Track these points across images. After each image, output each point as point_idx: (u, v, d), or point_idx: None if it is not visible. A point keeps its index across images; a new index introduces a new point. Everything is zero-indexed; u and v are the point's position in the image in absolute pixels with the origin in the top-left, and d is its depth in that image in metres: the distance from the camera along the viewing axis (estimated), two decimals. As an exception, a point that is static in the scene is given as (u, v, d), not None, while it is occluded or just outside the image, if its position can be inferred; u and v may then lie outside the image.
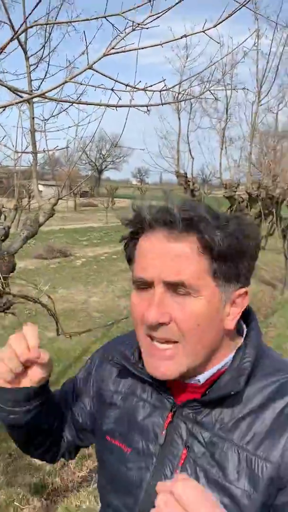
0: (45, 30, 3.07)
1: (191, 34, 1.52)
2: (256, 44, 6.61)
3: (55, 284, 10.23)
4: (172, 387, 1.00)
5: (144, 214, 0.91)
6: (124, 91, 1.58)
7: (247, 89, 6.81)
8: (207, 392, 0.96)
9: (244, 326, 1.02)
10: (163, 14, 1.37)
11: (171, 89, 1.68)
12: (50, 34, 3.08)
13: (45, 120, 3.07)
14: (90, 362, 1.24)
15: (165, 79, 1.48)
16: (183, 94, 2.48)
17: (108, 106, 1.62)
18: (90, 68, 1.42)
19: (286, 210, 10.97)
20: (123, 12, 1.39)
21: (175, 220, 0.87)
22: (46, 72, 3.06)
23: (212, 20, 1.48)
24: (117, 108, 1.64)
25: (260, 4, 6.16)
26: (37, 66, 3.12)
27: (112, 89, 1.51)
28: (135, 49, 1.46)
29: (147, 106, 1.68)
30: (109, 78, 1.50)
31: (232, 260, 0.90)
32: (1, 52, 1.45)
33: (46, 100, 2.45)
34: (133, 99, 1.60)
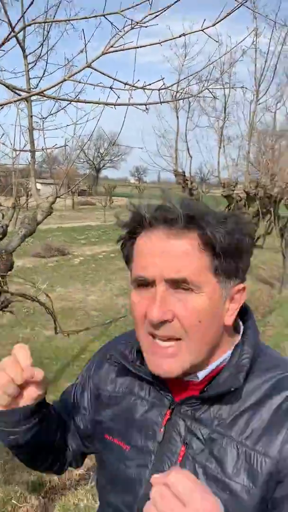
0: (43, 28, 3.06)
1: (190, 33, 1.52)
2: (254, 43, 6.60)
3: (53, 282, 10.23)
4: (170, 384, 1.01)
5: (143, 213, 0.92)
6: (123, 89, 1.58)
7: (246, 88, 6.82)
8: (205, 389, 0.96)
9: (241, 323, 1.03)
10: (162, 12, 1.37)
11: (169, 88, 1.68)
12: (48, 32, 3.07)
13: (43, 118, 3.06)
14: (88, 365, 1.24)
15: (163, 78, 1.48)
16: (182, 92, 2.48)
17: (106, 104, 1.62)
18: (89, 66, 1.42)
19: (284, 209, 10.99)
20: (122, 11, 1.38)
21: (176, 217, 0.88)
22: (45, 71, 3.06)
23: (210, 19, 1.48)
24: (115, 106, 1.64)
25: (258, 3, 6.16)
26: (35, 64, 3.11)
27: (111, 88, 1.51)
28: (134, 48, 1.46)
29: (145, 105, 1.68)
30: (108, 76, 1.50)
31: (232, 257, 0.91)
32: None
33: (45, 98, 2.45)
34: (132, 97, 1.60)
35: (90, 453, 1.25)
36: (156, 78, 1.59)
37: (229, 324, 0.96)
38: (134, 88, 1.57)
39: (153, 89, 1.59)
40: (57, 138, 2.93)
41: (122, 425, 1.05)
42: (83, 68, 1.43)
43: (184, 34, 1.53)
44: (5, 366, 0.94)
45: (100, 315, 8.37)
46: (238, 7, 1.41)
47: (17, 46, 2.57)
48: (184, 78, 2.46)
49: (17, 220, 3.30)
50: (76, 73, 1.48)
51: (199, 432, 0.94)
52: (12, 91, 1.79)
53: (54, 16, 2.68)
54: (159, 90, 1.63)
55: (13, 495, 3.31)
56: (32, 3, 1.43)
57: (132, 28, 1.42)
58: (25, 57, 2.96)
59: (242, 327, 1.02)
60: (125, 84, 1.56)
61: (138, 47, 1.45)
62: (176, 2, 1.40)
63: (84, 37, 1.46)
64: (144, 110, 1.67)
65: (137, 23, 1.40)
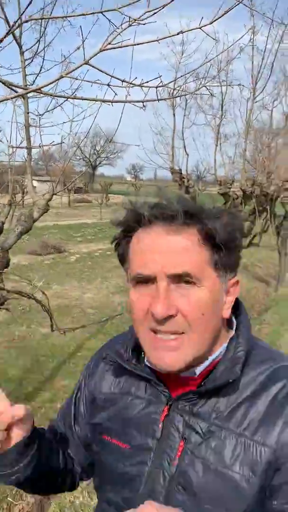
0: (40, 25, 3.05)
1: (187, 31, 1.51)
2: (252, 40, 6.60)
3: (49, 280, 10.22)
4: (167, 381, 1.01)
5: (142, 211, 0.92)
6: (120, 86, 1.58)
7: (243, 85, 6.80)
8: (202, 383, 0.97)
9: (233, 318, 1.05)
10: (160, 10, 1.36)
11: (167, 85, 1.68)
12: (45, 29, 3.06)
13: (40, 115, 3.05)
14: (84, 372, 1.23)
15: (161, 75, 1.48)
16: (179, 90, 2.47)
17: (104, 101, 1.62)
18: (87, 63, 1.42)
19: (280, 207, 11.01)
20: (120, 8, 1.38)
21: (175, 213, 0.89)
22: (41, 67, 3.04)
23: (207, 16, 1.48)
24: (112, 103, 1.64)
25: (255, 1, 6.13)
26: (32, 61, 3.10)
27: (108, 85, 1.51)
28: (131, 45, 1.46)
29: (142, 102, 1.67)
30: (106, 73, 1.50)
31: (229, 250, 0.93)
32: (-3, 46, 1.44)
33: (41, 95, 2.44)
34: (129, 94, 1.60)
35: None
36: (153, 75, 1.59)
37: (226, 317, 0.99)
38: (131, 85, 1.56)
39: (150, 87, 1.58)
40: (53, 135, 2.93)
41: (120, 424, 1.05)
42: (81, 65, 1.43)
43: (182, 32, 1.52)
44: None
45: (96, 313, 8.37)
46: (236, 5, 1.40)
47: (14, 43, 2.56)
48: (182, 76, 2.46)
49: (12, 217, 3.28)
50: (73, 70, 1.47)
51: (198, 426, 0.95)
52: (9, 87, 1.78)
53: (51, 13, 2.66)
54: (156, 87, 1.63)
55: (8, 492, 3.31)
56: (31, 2, 1.42)
57: (130, 26, 1.41)
58: (22, 53, 2.95)
59: (235, 322, 1.04)
60: (123, 81, 1.55)
61: (136, 44, 1.45)
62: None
63: (82, 34, 1.45)
64: (142, 108, 1.67)
65: (135, 20, 1.40)
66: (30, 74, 3.08)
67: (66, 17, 1.98)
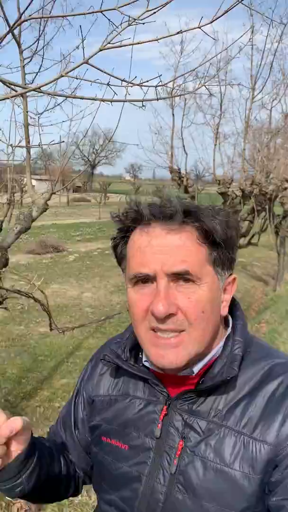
0: (40, 24, 3.04)
1: (187, 30, 1.51)
2: (251, 39, 6.58)
3: (47, 279, 10.21)
4: (165, 381, 1.01)
5: (141, 210, 0.93)
6: (120, 86, 1.58)
7: (242, 85, 6.81)
8: (200, 381, 0.98)
9: (229, 316, 1.06)
10: (160, 9, 1.36)
11: (166, 85, 1.68)
12: (44, 27, 3.05)
13: (39, 114, 3.05)
14: (81, 375, 1.23)
15: (161, 75, 1.48)
16: (177, 89, 2.47)
17: (103, 101, 1.62)
18: (86, 62, 1.42)
19: (279, 207, 11.02)
20: (120, 7, 1.38)
21: (175, 213, 0.90)
22: (40, 66, 3.04)
23: (206, 15, 1.48)
24: (112, 103, 1.64)
25: (255, 0, 6.13)
26: (31, 59, 3.09)
27: (108, 84, 1.51)
28: (130, 44, 1.46)
29: (142, 101, 1.67)
30: (105, 73, 1.50)
31: (227, 248, 0.95)
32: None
33: (41, 94, 2.44)
34: (129, 94, 1.60)
35: None
36: (151, 74, 1.59)
37: (224, 314, 1.00)
38: (131, 84, 1.56)
39: (150, 86, 1.58)
40: (52, 134, 2.92)
41: (119, 425, 1.06)
42: (80, 64, 1.43)
43: (181, 31, 1.52)
44: None
45: (95, 312, 8.37)
46: (236, 4, 1.40)
47: (13, 41, 2.55)
48: (181, 75, 2.46)
49: (11, 217, 3.28)
50: (73, 69, 1.47)
51: (197, 424, 0.96)
52: (9, 86, 1.78)
53: (51, 12, 2.65)
54: (155, 87, 1.63)
55: (7, 491, 3.31)
56: (32, 1, 1.42)
57: (130, 25, 1.41)
58: (21, 52, 2.94)
59: (231, 320, 1.05)
60: (122, 80, 1.55)
61: (135, 44, 1.45)
62: (173, -1, 1.39)
63: (81, 33, 1.45)
64: (141, 107, 1.67)
65: (135, 19, 1.39)
66: (29, 73, 3.07)
67: (65, 16, 1.98)
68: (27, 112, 2.96)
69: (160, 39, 1.46)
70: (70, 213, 31.76)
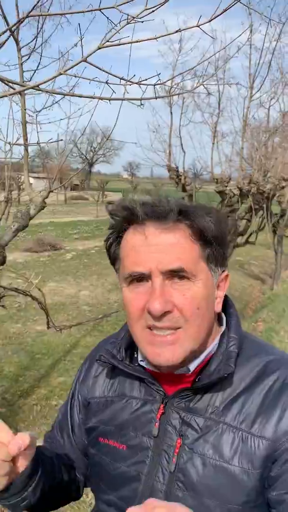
0: (38, 21, 3.03)
1: (185, 29, 1.51)
2: (249, 38, 6.58)
3: (45, 277, 10.20)
4: (161, 380, 1.02)
5: (135, 210, 0.93)
6: (118, 84, 1.58)
7: (241, 84, 6.81)
8: (196, 379, 0.98)
9: (223, 313, 1.06)
10: (159, 7, 1.36)
11: (165, 83, 1.68)
12: (42, 25, 3.04)
13: (37, 112, 3.04)
14: (76, 377, 1.23)
15: (159, 73, 1.48)
16: (176, 88, 2.47)
17: (101, 99, 1.62)
18: (85, 60, 1.42)
19: (277, 205, 11.04)
20: (118, 5, 1.38)
21: (169, 211, 0.91)
22: (39, 64, 3.03)
23: (204, 14, 1.48)
24: (110, 101, 1.64)
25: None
26: (29, 57, 3.08)
27: (106, 82, 1.51)
28: (129, 43, 1.45)
29: (140, 100, 1.67)
30: (104, 71, 1.50)
31: (220, 245, 0.96)
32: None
33: (39, 91, 2.43)
34: (127, 92, 1.59)
35: None
36: (150, 73, 1.59)
37: (218, 311, 1.01)
38: (129, 83, 1.56)
39: (148, 84, 1.58)
40: (50, 132, 2.91)
41: (116, 426, 1.06)
42: (79, 62, 1.43)
43: (180, 30, 1.52)
44: None
45: (92, 310, 8.37)
46: (235, 3, 1.40)
47: (11, 38, 2.54)
48: (179, 74, 2.46)
49: (9, 215, 3.27)
50: (72, 67, 1.47)
51: (194, 421, 0.96)
52: (7, 84, 1.78)
53: (49, 9, 2.65)
54: (154, 85, 1.63)
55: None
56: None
57: (128, 23, 1.41)
58: (19, 49, 2.93)
59: (224, 317, 1.06)
60: (121, 79, 1.55)
61: (134, 42, 1.44)
62: (172, -3, 1.39)
63: (80, 31, 1.45)
64: (140, 105, 1.67)
65: (133, 18, 1.39)
66: (27, 71, 3.06)
67: (64, 14, 1.98)
68: (25, 109, 2.96)
69: (159, 37, 1.46)
70: (67, 211, 31.74)
